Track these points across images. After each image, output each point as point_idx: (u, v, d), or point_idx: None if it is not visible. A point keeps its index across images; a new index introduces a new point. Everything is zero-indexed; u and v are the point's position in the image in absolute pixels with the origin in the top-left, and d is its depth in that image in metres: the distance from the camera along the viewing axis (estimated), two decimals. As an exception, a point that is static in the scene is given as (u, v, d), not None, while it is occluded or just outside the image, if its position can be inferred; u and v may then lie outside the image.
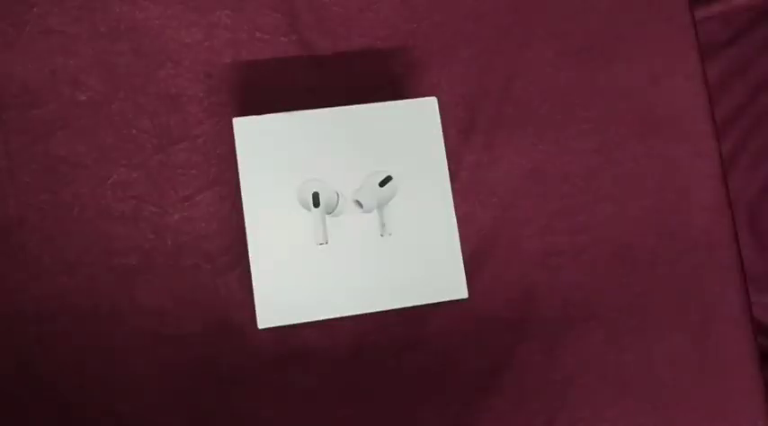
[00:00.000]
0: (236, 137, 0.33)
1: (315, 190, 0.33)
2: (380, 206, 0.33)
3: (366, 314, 0.33)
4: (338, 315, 0.33)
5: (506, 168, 0.40)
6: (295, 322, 0.32)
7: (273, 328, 0.32)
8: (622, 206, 0.40)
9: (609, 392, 0.38)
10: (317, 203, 0.32)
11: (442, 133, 0.35)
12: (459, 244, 0.33)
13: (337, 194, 0.33)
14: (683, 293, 0.39)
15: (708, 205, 0.40)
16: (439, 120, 0.35)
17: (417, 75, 0.40)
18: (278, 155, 0.33)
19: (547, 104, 0.40)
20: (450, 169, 0.34)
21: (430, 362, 0.38)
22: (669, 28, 0.42)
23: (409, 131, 0.34)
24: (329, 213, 0.33)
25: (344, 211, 0.33)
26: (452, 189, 0.34)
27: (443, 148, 0.35)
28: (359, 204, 0.33)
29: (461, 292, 0.33)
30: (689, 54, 0.42)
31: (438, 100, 0.35)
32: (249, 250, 0.32)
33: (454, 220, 0.34)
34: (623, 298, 0.39)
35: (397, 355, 0.38)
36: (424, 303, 0.33)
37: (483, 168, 0.40)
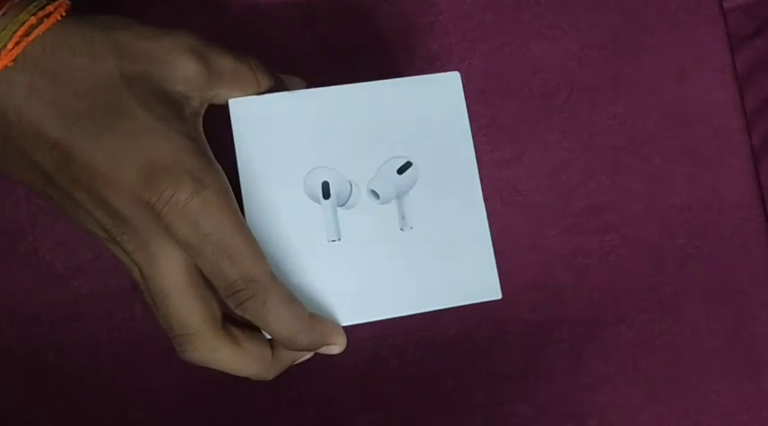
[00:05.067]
0: (232, 121, 0.29)
1: (324, 180, 0.29)
2: (399, 196, 0.30)
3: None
4: (355, 323, 0.29)
5: (529, 165, 0.38)
6: None
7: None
8: (650, 204, 0.39)
9: (639, 396, 0.37)
10: (327, 194, 0.29)
11: (466, 112, 0.30)
12: (489, 236, 0.30)
13: (350, 184, 0.29)
14: (715, 294, 0.38)
15: (739, 202, 0.39)
16: (463, 98, 0.30)
17: (436, 69, 0.39)
18: (281, 141, 0.29)
19: (571, 99, 0.39)
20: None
21: (453, 367, 0.37)
22: (697, 20, 0.40)
23: (430, 111, 0.30)
24: (341, 205, 0.30)
25: (359, 203, 0.30)
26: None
27: (469, 129, 0.30)
28: (375, 194, 0.29)
29: (494, 292, 0.30)
30: (717, 46, 0.40)
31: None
32: None
33: (483, 209, 0.30)
34: (653, 300, 0.38)
35: (418, 360, 0.37)
36: (451, 306, 0.29)
37: (505, 165, 0.38)
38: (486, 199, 0.34)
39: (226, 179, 0.27)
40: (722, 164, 0.39)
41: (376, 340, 0.36)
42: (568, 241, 0.38)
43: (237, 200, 0.28)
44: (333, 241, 0.29)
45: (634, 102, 0.39)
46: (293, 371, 0.33)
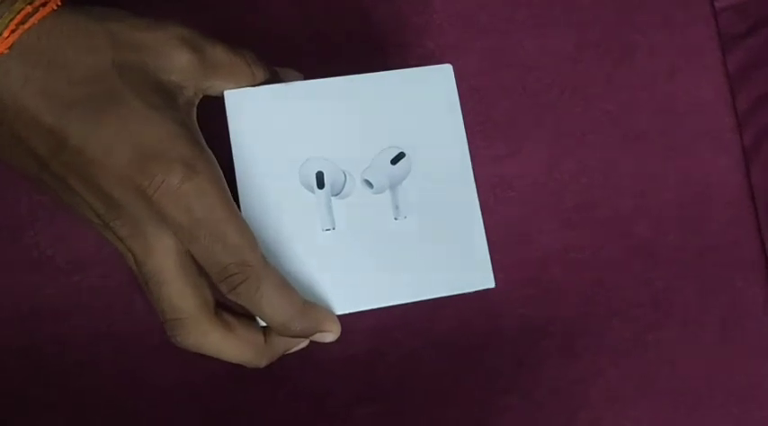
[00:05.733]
0: (227, 112, 0.30)
1: (319, 170, 0.30)
2: (393, 186, 0.30)
3: (380, 309, 0.30)
4: (349, 312, 0.30)
5: (523, 162, 0.39)
6: None
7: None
8: (643, 200, 0.39)
9: (631, 391, 0.38)
10: (321, 184, 0.29)
11: (459, 103, 0.31)
12: (482, 225, 0.30)
13: (344, 174, 0.30)
14: (707, 289, 0.39)
15: (730, 199, 0.40)
16: (455, 89, 0.31)
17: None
18: (276, 131, 0.30)
19: (564, 97, 0.40)
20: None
21: (448, 361, 0.37)
22: (688, 19, 0.41)
23: (423, 103, 0.31)
24: (336, 195, 0.30)
25: (353, 192, 0.30)
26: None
27: (461, 121, 0.31)
28: (369, 184, 0.30)
29: (487, 281, 0.30)
30: (709, 45, 0.41)
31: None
32: None
33: (476, 199, 0.30)
34: (645, 295, 0.38)
35: (414, 354, 0.37)
36: (445, 295, 0.30)
37: (499, 162, 0.39)
38: (480, 196, 0.35)
39: (218, 166, 0.27)
40: (713, 162, 0.40)
41: (373, 334, 0.37)
42: (562, 236, 0.39)
43: (232, 191, 0.28)
44: (327, 230, 0.29)
45: (626, 99, 0.40)
46: (291, 364, 0.33)
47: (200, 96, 0.29)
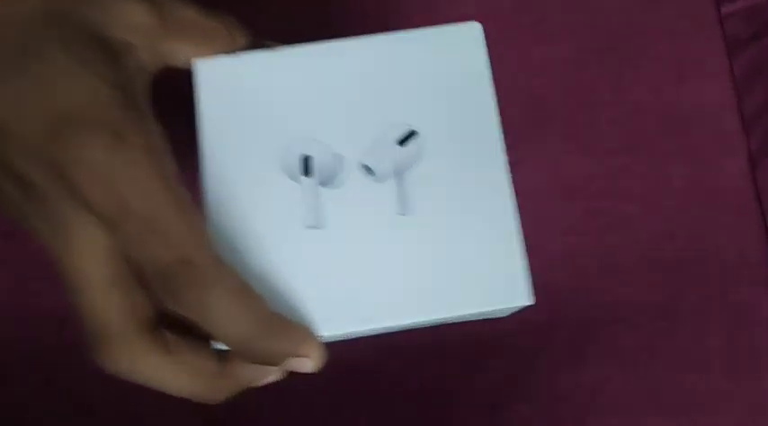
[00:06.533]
0: (196, 85, 0.24)
1: (305, 153, 0.23)
2: (399, 173, 0.23)
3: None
4: (337, 333, 0.23)
5: (529, 169, 0.39)
6: None
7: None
8: (649, 206, 0.39)
9: (639, 397, 0.38)
10: (307, 170, 0.23)
11: (490, 71, 0.25)
12: (516, 225, 0.24)
13: (338, 157, 0.24)
14: (714, 295, 0.38)
15: (737, 204, 0.39)
16: (485, 53, 0.25)
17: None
18: (257, 108, 0.24)
19: (570, 103, 0.40)
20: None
21: (452, 368, 0.37)
22: (695, 24, 0.41)
23: (441, 70, 0.24)
24: (326, 184, 0.23)
25: (348, 181, 0.23)
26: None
27: (491, 92, 0.24)
28: (368, 170, 0.24)
29: (523, 296, 0.23)
30: (715, 50, 0.41)
31: None
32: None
33: (508, 190, 0.24)
34: (652, 301, 0.38)
35: (417, 361, 0.37)
36: (465, 313, 0.23)
37: (505, 169, 0.39)
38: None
39: (159, 139, 0.21)
40: (720, 167, 0.40)
41: (376, 340, 0.37)
42: (568, 243, 0.38)
43: (196, 180, 0.24)
44: (312, 228, 0.23)
45: (632, 105, 0.40)
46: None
47: (160, 64, 0.24)
